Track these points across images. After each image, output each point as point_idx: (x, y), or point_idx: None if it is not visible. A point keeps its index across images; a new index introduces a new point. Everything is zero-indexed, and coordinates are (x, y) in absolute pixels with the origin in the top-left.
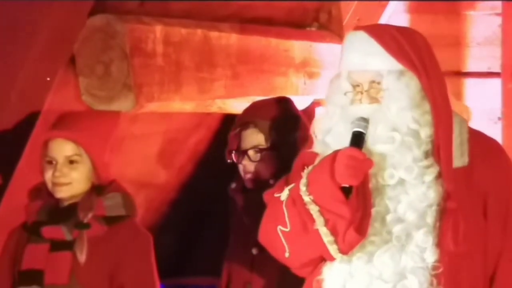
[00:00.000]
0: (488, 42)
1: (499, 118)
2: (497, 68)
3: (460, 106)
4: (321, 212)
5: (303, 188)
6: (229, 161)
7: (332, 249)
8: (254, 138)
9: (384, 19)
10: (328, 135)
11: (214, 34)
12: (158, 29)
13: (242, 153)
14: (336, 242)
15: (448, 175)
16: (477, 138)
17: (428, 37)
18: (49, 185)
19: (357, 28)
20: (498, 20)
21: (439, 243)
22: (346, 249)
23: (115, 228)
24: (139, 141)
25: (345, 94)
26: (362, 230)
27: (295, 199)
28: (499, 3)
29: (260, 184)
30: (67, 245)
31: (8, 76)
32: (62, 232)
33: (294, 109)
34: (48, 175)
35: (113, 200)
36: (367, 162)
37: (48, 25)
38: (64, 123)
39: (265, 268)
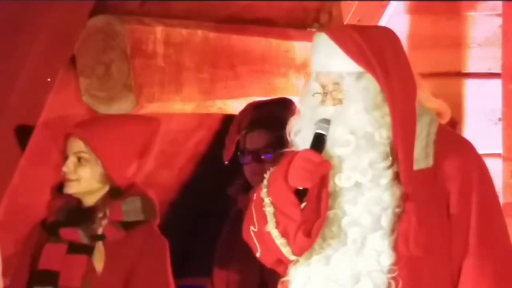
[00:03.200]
0: (489, 42)
1: (499, 119)
2: (497, 69)
3: (439, 104)
4: (275, 214)
5: (264, 189)
6: (226, 162)
7: (286, 251)
8: (263, 138)
9: (384, 20)
10: (298, 135)
11: (214, 34)
12: (159, 30)
13: (251, 154)
14: (288, 244)
15: (406, 178)
16: (445, 138)
17: (428, 37)
18: (64, 181)
19: (323, 30)
20: (499, 21)
21: (395, 246)
22: (298, 252)
23: (133, 233)
24: None
25: (313, 95)
26: (313, 234)
27: (257, 200)
28: (500, 3)
29: None
30: (85, 249)
31: (9, 77)
32: (79, 235)
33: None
34: (63, 171)
35: (132, 205)
36: (324, 164)
37: (48, 25)
38: (83, 122)
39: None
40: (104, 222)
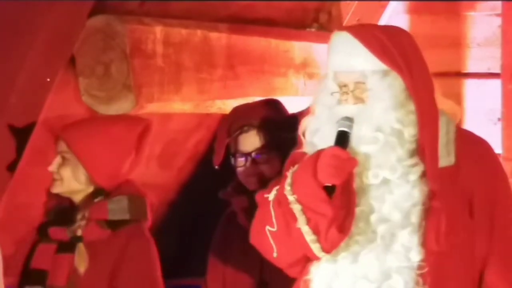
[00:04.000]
0: (488, 42)
1: (498, 119)
2: (497, 69)
3: (452, 106)
4: (304, 211)
5: (287, 187)
6: (217, 167)
7: (315, 248)
8: (254, 140)
9: (384, 20)
10: (316, 135)
11: (214, 34)
12: (158, 30)
13: (245, 156)
14: (318, 241)
15: (433, 175)
16: (464, 138)
17: (428, 37)
18: None
19: (342, 28)
20: (498, 21)
21: (424, 243)
22: (328, 248)
23: (118, 232)
24: None
25: (331, 94)
26: (345, 229)
27: (280, 199)
28: (499, 3)
29: (265, 186)
30: (72, 248)
31: (8, 77)
32: (67, 234)
33: (285, 110)
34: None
35: (118, 203)
36: (351, 161)
37: (48, 25)
38: (71, 124)
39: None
40: (83, 223)
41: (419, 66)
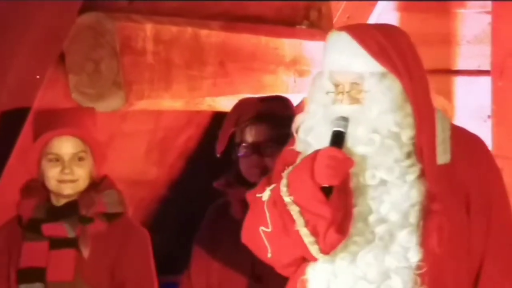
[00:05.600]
0: (478, 40)
1: (488, 116)
2: (486, 66)
3: (443, 102)
4: (302, 213)
5: (283, 188)
6: (219, 155)
7: (314, 249)
8: (264, 132)
9: (373, 17)
10: (310, 134)
11: (204, 32)
12: (148, 27)
13: (252, 146)
14: (317, 242)
15: (432, 177)
16: (459, 135)
17: (417, 35)
18: (53, 182)
19: (340, 28)
20: (488, 18)
21: (423, 243)
22: (327, 250)
23: (114, 225)
24: (129, 139)
25: (327, 93)
26: (343, 230)
27: (276, 200)
28: (489, 1)
29: None
30: (70, 243)
31: None
32: (65, 229)
33: (294, 107)
34: (53, 172)
35: (111, 197)
36: (348, 161)
37: (37, 23)
38: (64, 119)
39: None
40: (92, 210)
41: (416, 67)
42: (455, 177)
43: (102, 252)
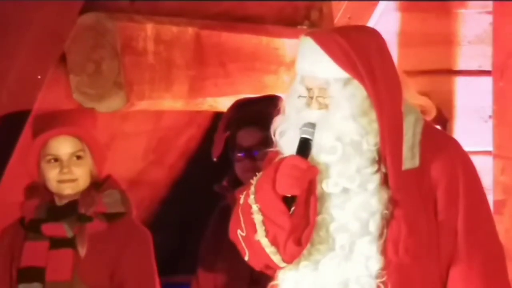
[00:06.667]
0: (479, 40)
1: (489, 117)
2: (488, 67)
3: (426, 103)
4: (264, 222)
5: (251, 196)
6: (215, 159)
7: (276, 259)
8: (255, 136)
9: (375, 18)
10: (282, 138)
11: (205, 32)
12: (149, 27)
13: (244, 151)
14: (278, 252)
15: (395, 183)
16: (431, 138)
17: (419, 35)
18: (53, 183)
19: (307, 33)
20: (489, 19)
21: (384, 251)
22: (288, 260)
23: (115, 225)
24: (130, 139)
25: (298, 97)
26: (302, 242)
27: (244, 207)
28: (490, 1)
29: None
30: (68, 242)
31: None
32: (64, 229)
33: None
34: (53, 173)
35: (112, 197)
36: (311, 170)
37: (38, 23)
38: (62, 120)
39: None
40: (92, 209)
41: (384, 72)
42: (423, 181)
43: (101, 251)
